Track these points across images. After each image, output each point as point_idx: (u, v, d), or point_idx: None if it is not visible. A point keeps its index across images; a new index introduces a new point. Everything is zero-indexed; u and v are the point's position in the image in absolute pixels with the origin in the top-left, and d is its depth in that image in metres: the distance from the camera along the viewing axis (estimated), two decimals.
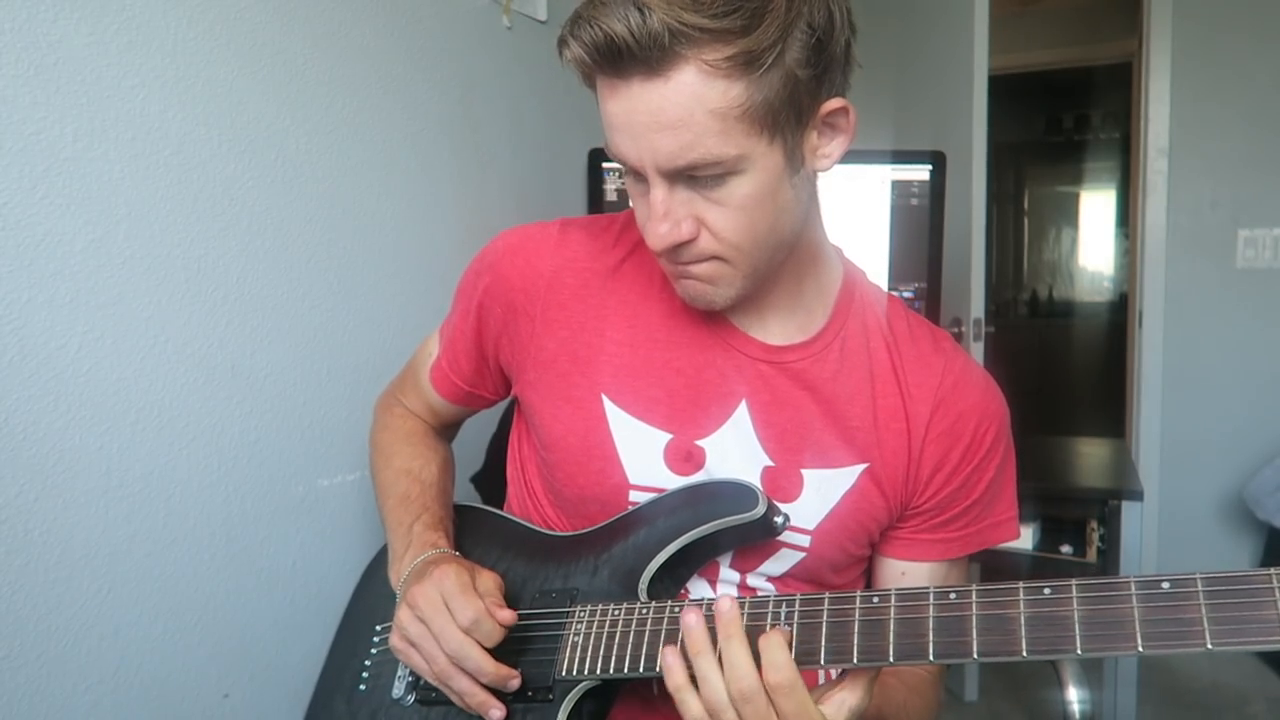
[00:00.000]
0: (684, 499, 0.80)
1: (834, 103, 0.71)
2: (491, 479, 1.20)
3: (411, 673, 0.83)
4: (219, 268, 1.03)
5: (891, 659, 0.62)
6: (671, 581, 0.81)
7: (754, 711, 0.62)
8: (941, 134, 2.54)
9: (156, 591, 0.98)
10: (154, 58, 0.95)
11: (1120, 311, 4.33)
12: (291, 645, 1.14)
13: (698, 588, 0.83)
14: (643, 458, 0.82)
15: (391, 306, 1.30)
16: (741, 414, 0.82)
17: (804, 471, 0.82)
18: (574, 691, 0.75)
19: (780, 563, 0.83)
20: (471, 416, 1.03)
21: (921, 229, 1.77)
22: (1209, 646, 0.52)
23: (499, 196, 1.56)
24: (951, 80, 2.53)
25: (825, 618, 0.65)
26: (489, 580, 0.79)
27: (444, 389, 0.97)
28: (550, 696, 0.76)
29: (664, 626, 0.72)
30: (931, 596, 0.62)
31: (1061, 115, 5.75)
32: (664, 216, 0.70)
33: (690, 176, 0.69)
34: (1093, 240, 5.88)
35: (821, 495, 0.82)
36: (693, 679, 0.65)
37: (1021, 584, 0.60)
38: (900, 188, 1.76)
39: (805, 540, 0.82)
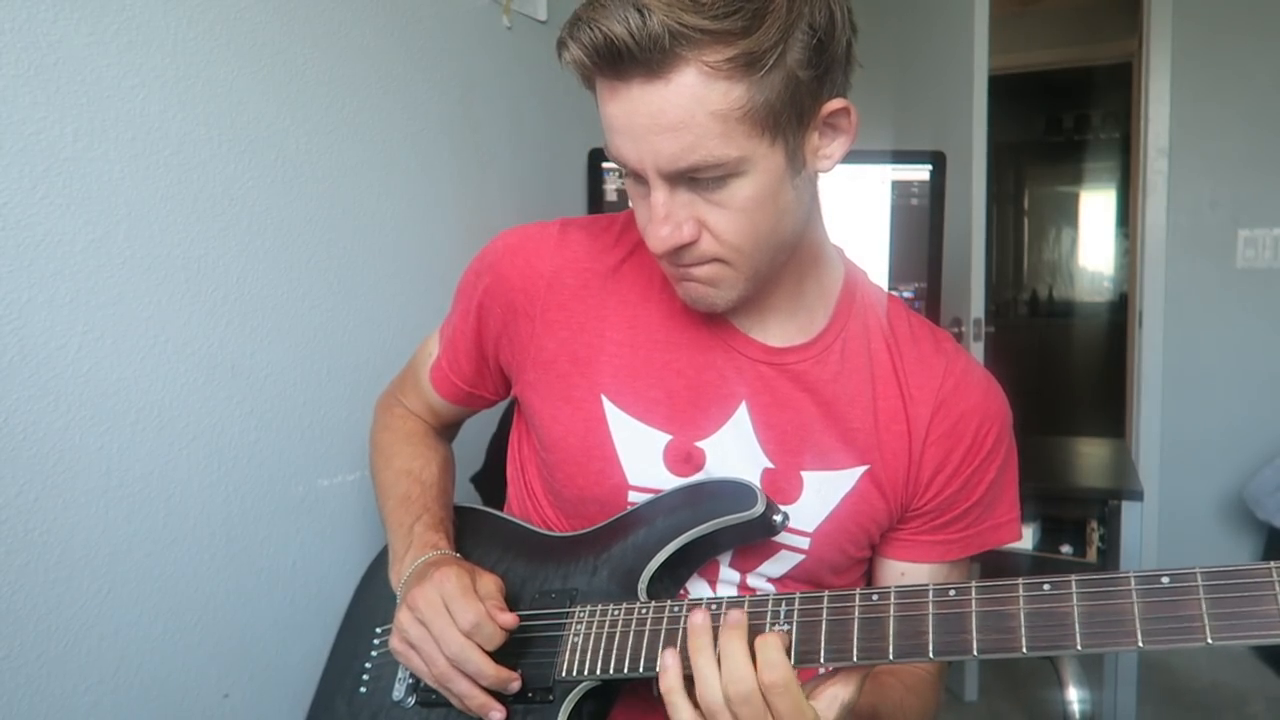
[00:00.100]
0: (683, 498, 0.80)
1: (835, 103, 0.71)
2: (491, 479, 1.20)
3: (411, 674, 0.83)
4: (219, 268, 1.03)
5: (891, 657, 0.61)
6: (671, 581, 0.81)
7: (750, 713, 0.62)
8: (941, 134, 2.54)
9: (156, 591, 0.98)
10: (154, 58, 0.95)
11: (1120, 311, 4.33)
12: (291, 645, 1.14)
13: (697, 588, 0.83)
14: (642, 459, 0.82)
15: (391, 306, 1.30)
16: (741, 415, 0.82)
17: (804, 473, 0.82)
18: (574, 692, 0.75)
19: (779, 564, 0.83)
20: (471, 416, 1.03)
21: (921, 229, 1.77)
22: (1209, 641, 0.52)
23: (499, 196, 1.56)
24: (951, 80, 2.53)
25: (825, 616, 0.65)
26: (490, 582, 0.79)
27: (444, 389, 0.97)
28: (550, 697, 0.76)
29: (663, 626, 0.72)
30: (931, 594, 0.62)
31: (1061, 115, 5.74)
32: (665, 219, 0.70)
33: (691, 179, 0.68)
34: (1093, 240, 5.88)
35: (821, 497, 0.82)
36: (688, 684, 0.65)
37: (1021, 580, 0.59)
38: (900, 188, 1.76)
39: (805, 542, 0.82)
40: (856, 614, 0.64)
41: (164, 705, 1.00)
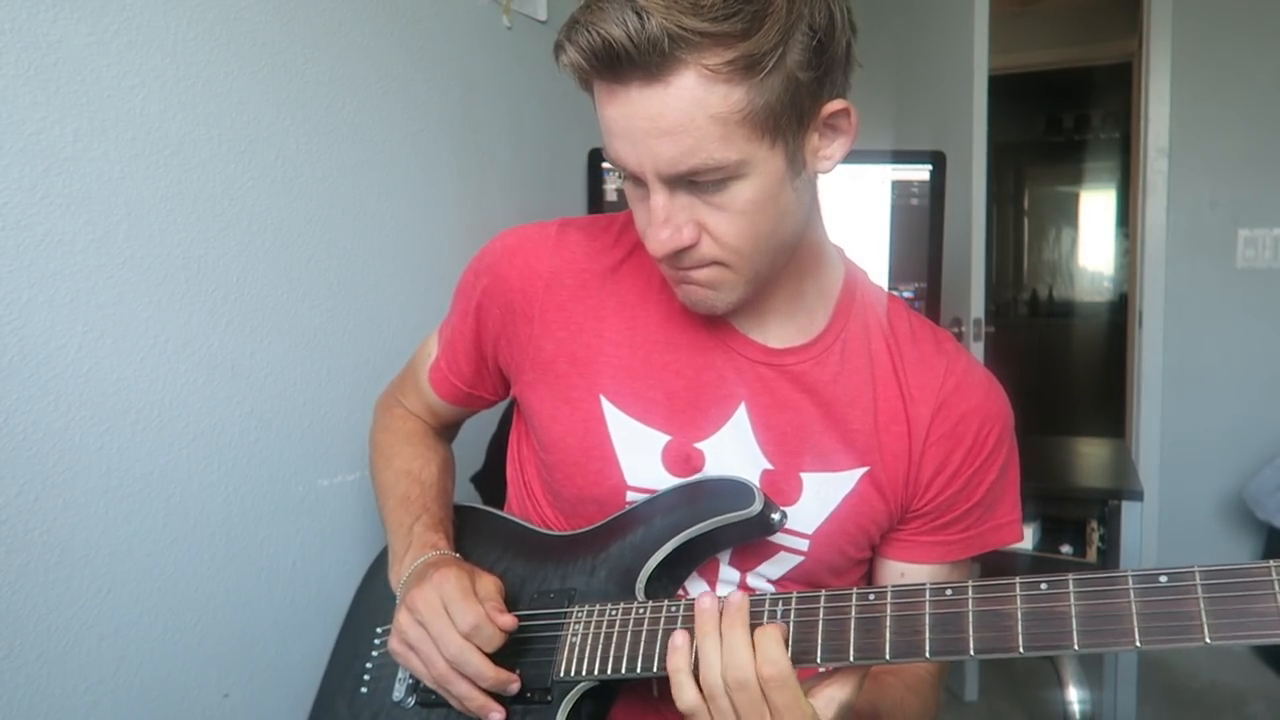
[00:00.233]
0: (681, 497, 0.80)
1: (835, 104, 0.70)
2: (491, 479, 1.20)
3: (411, 675, 0.83)
4: (219, 268, 1.04)
5: (888, 656, 0.61)
6: (669, 580, 0.81)
7: (747, 700, 0.62)
8: (941, 134, 2.54)
9: (156, 591, 0.98)
10: (154, 58, 0.95)
11: (1120, 311, 4.32)
12: (291, 645, 1.14)
13: (696, 587, 0.83)
14: (641, 459, 0.82)
15: (391, 306, 1.30)
16: (741, 417, 0.82)
17: (803, 475, 0.82)
18: (572, 693, 0.75)
19: (778, 566, 0.83)
20: (471, 417, 1.03)
21: (921, 229, 1.77)
22: (1208, 641, 0.52)
23: (499, 196, 1.56)
24: (951, 80, 2.53)
25: (821, 615, 0.65)
26: (489, 584, 0.79)
27: (443, 390, 0.97)
28: (549, 698, 0.76)
29: (661, 626, 0.72)
30: (928, 593, 0.62)
31: (1061, 115, 5.74)
32: (665, 222, 0.69)
33: (691, 181, 0.68)
34: (1093, 240, 5.88)
35: (821, 499, 0.81)
36: (694, 666, 0.65)
37: (1018, 579, 0.59)
38: (900, 188, 1.76)
39: (804, 544, 0.82)
40: (853, 614, 0.64)
41: (164, 705, 1.00)
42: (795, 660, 0.63)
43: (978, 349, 2.51)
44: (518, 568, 0.86)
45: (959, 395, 0.83)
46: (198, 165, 1.00)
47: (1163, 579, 0.55)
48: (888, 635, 0.62)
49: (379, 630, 0.92)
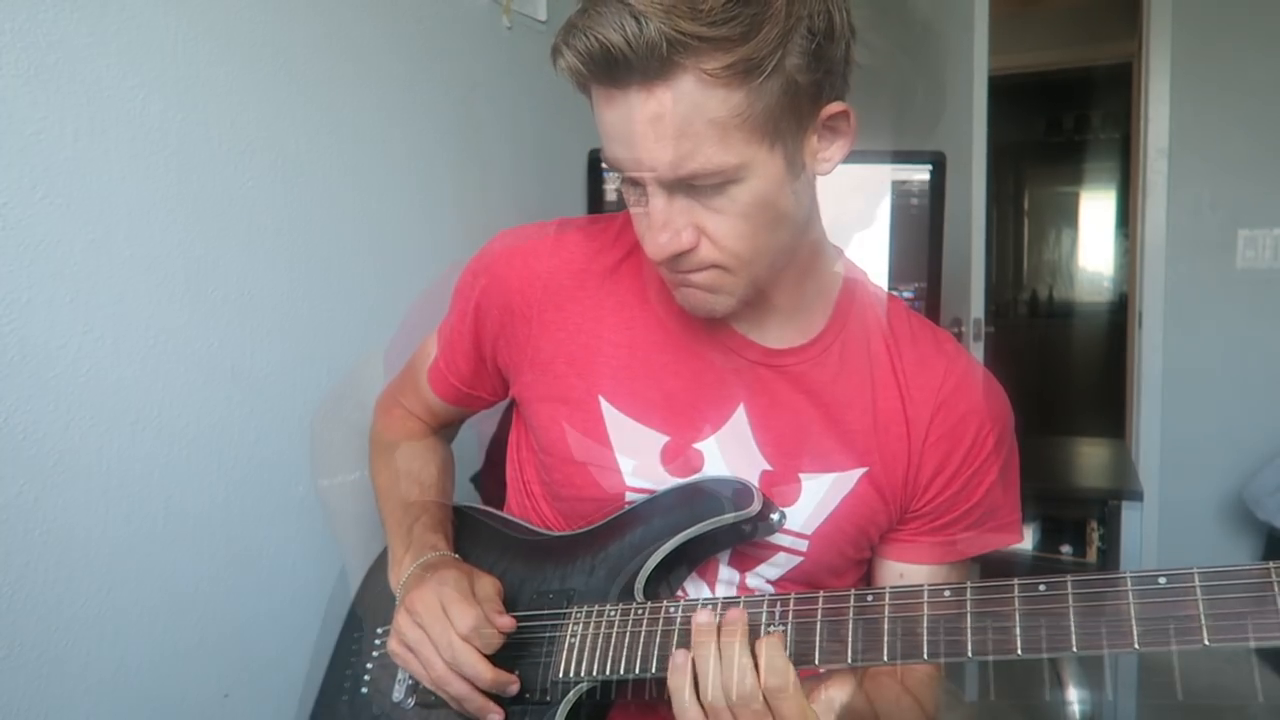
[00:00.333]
0: (680, 497, 0.80)
1: (834, 106, 0.70)
2: (491, 479, 1.20)
3: (411, 676, 0.83)
4: (219, 268, 1.04)
5: (886, 658, 0.61)
6: (669, 581, 0.80)
7: (752, 715, 0.62)
8: (941, 134, 2.54)
9: (156, 591, 0.98)
10: (154, 58, 0.95)
11: (1120, 312, 4.32)
12: (291, 645, 1.14)
13: (696, 587, 0.83)
14: (640, 460, 0.82)
15: (391, 307, 1.30)
16: (740, 418, 0.82)
17: (802, 476, 0.81)
18: (571, 694, 0.75)
19: (777, 566, 0.83)
20: (471, 417, 1.03)
21: (921, 229, 1.77)
22: (1207, 643, 0.52)
23: (499, 197, 1.56)
24: (951, 80, 2.53)
25: (820, 617, 0.65)
26: (488, 585, 0.79)
27: (442, 390, 0.97)
28: (548, 699, 0.76)
29: (659, 627, 0.72)
30: (926, 595, 0.62)
31: (1061, 116, 5.74)
32: (663, 226, 0.69)
33: (690, 185, 0.68)
34: (1092, 241, 5.88)
35: (820, 500, 0.81)
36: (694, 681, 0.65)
37: (1016, 581, 0.59)
38: (900, 188, 1.76)
39: (803, 545, 0.82)
40: (851, 615, 0.64)
41: (164, 705, 1.00)
42: (794, 661, 0.63)
43: (978, 349, 2.51)
44: (517, 568, 0.86)
45: (958, 396, 0.83)
46: (198, 165, 1.00)
47: (1162, 581, 0.55)
48: (886, 636, 0.62)
49: (379, 631, 0.92)
